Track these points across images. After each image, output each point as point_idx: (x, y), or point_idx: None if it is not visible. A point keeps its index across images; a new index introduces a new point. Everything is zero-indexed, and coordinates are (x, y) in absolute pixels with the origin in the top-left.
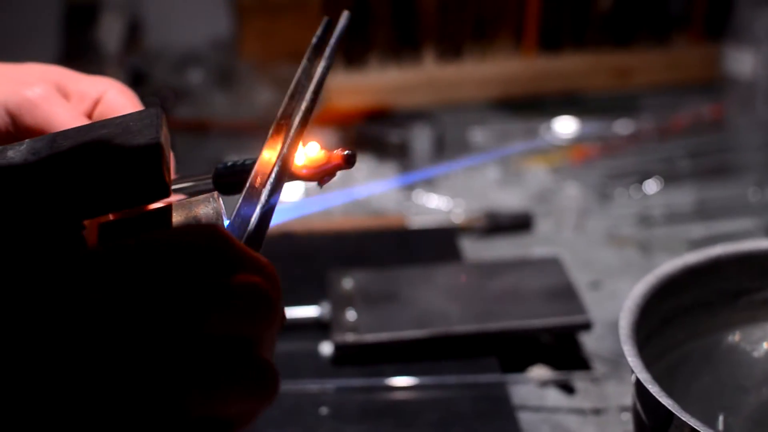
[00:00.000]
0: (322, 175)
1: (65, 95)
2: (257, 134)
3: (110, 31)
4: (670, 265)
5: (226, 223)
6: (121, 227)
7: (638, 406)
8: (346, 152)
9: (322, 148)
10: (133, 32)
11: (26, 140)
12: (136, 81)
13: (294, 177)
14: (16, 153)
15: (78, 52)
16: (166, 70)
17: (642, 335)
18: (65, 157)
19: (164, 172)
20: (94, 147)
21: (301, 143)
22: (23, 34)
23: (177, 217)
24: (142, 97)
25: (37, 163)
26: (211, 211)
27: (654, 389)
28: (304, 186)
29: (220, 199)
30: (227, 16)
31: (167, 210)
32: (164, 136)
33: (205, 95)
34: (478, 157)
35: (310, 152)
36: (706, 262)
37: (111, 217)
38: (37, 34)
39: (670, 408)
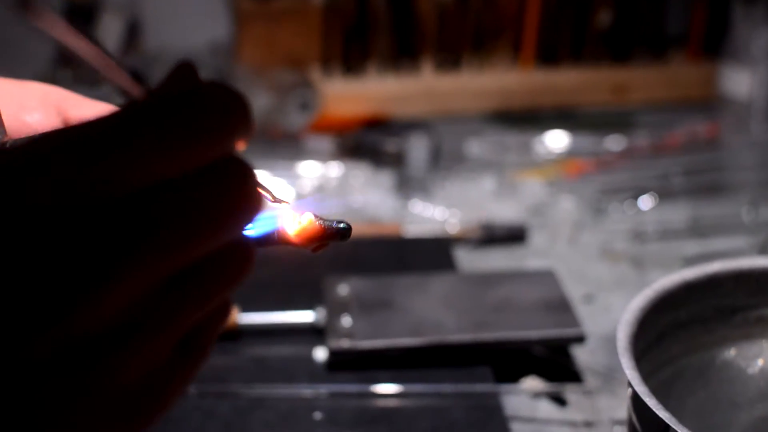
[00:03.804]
0: (313, 244)
1: (65, 120)
2: (254, 139)
3: (109, 32)
4: (668, 279)
5: None
6: None
7: (634, 419)
8: (341, 225)
9: (316, 218)
10: (132, 33)
11: (38, 134)
12: (132, 75)
13: (286, 243)
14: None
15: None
16: (164, 72)
17: (638, 349)
18: None
19: None
20: None
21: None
22: (21, 31)
23: None
24: None
25: None
26: None
27: (651, 402)
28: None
29: None
30: (227, 20)
31: None
32: None
33: None
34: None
35: (303, 221)
36: (703, 278)
37: None
38: (35, 32)
39: (667, 421)
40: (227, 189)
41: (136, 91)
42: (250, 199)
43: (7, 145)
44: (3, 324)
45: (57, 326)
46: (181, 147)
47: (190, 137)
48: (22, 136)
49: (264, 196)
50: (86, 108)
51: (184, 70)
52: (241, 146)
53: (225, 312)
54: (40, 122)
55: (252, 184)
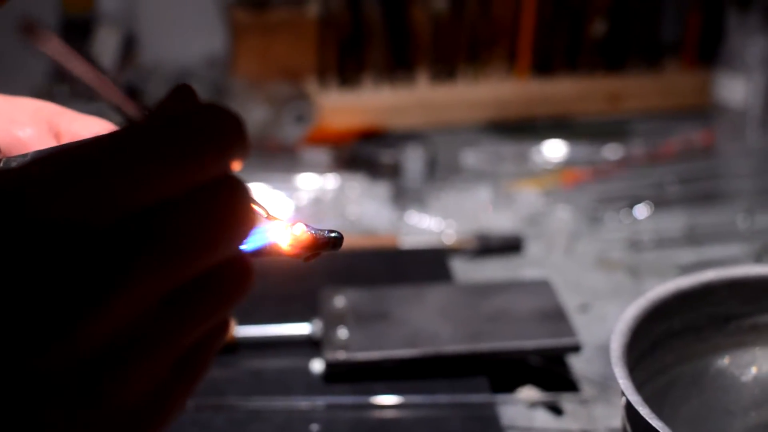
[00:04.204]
0: (305, 254)
1: (57, 135)
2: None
3: (105, 46)
4: (662, 288)
5: None
6: None
7: (628, 429)
8: (332, 234)
9: (307, 228)
10: (128, 47)
11: (30, 151)
12: (129, 96)
13: (278, 253)
14: (20, 164)
15: None
16: (161, 86)
17: (632, 358)
18: None
19: None
20: None
21: (286, 223)
22: (18, 45)
23: None
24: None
25: None
26: None
27: (644, 411)
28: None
29: None
30: (222, 33)
31: None
32: None
33: None
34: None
35: (296, 232)
36: (697, 287)
37: None
38: (32, 50)
39: (660, 430)
40: (222, 208)
41: (130, 108)
42: (244, 218)
43: (1, 163)
44: (6, 341)
45: (57, 343)
46: (177, 169)
47: (187, 159)
48: (14, 152)
49: (258, 213)
50: (78, 123)
51: (182, 91)
52: (236, 166)
53: (224, 329)
54: (31, 137)
55: (247, 202)
